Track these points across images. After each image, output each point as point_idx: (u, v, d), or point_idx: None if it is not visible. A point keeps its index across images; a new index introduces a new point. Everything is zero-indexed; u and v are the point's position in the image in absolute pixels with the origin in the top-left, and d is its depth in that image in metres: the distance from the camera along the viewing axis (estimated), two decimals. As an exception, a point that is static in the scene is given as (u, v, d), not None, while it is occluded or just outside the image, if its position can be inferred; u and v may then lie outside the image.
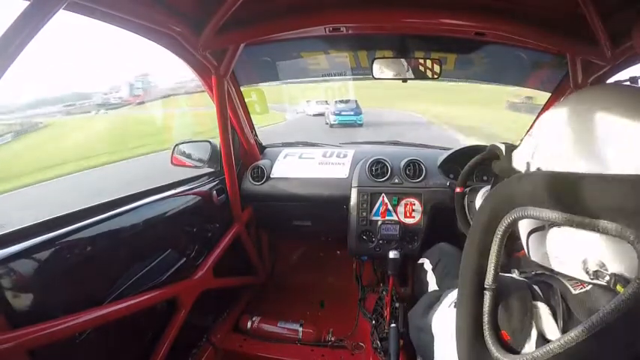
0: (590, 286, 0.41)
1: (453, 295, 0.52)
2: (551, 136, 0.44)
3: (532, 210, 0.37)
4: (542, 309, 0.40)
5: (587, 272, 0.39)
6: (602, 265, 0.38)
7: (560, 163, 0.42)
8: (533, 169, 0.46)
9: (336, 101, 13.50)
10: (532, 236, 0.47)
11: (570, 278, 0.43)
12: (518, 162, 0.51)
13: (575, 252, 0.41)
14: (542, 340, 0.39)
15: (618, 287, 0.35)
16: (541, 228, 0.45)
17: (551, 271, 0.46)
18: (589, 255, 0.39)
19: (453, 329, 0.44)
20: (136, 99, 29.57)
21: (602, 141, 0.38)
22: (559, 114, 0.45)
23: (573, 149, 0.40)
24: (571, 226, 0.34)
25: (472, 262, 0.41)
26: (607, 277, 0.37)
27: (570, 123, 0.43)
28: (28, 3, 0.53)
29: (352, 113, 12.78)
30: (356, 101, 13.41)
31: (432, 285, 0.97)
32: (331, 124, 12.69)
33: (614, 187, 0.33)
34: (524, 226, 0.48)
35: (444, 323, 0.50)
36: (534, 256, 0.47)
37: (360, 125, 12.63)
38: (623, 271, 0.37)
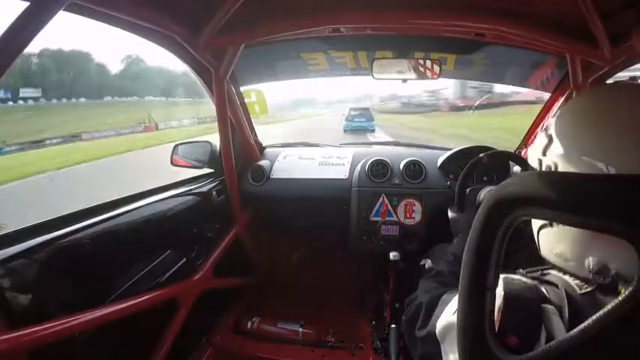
0: (595, 285, 0.41)
1: (455, 301, 0.51)
2: (562, 134, 0.45)
3: (534, 210, 0.37)
4: (550, 311, 0.40)
5: (589, 271, 0.39)
6: (604, 265, 0.38)
7: (570, 161, 0.42)
8: (545, 166, 0.47)
9: (350, 108, 14.48)
10: (541, 233, 0.47)
11: (576, 277, 0.43)
12: (532, 158, 0.51)
13: (578, 250, 0.41)
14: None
15: (620, 287, 0.35)
16: (549, 225, 0.45)
17: (559, 269, 0.46)
18: (592, 254, 0.39)
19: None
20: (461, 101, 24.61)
21: (610, 140, 0.38)
22: (571, 112, 0.45)
23: (582, 148, 0.41)
24: (573, 225, 0.34)
25: (473, 262, 0.41)
26: (609, 278, 0.37)
27: (580, 121, 0.43)
28: (28, 3, 0.53)
29: (364, 120, 13.74)
30: (369, 108, 14.29)
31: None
32: (344, 130, 13.53)
33: (616, 186, 0.33)
34: (535, 223, 0.49)
35: (450, 329, 0.50)
36: (544, 253, 0.48)
37: (372, 131, 13.36)
38: (625, 271, 0.37)
